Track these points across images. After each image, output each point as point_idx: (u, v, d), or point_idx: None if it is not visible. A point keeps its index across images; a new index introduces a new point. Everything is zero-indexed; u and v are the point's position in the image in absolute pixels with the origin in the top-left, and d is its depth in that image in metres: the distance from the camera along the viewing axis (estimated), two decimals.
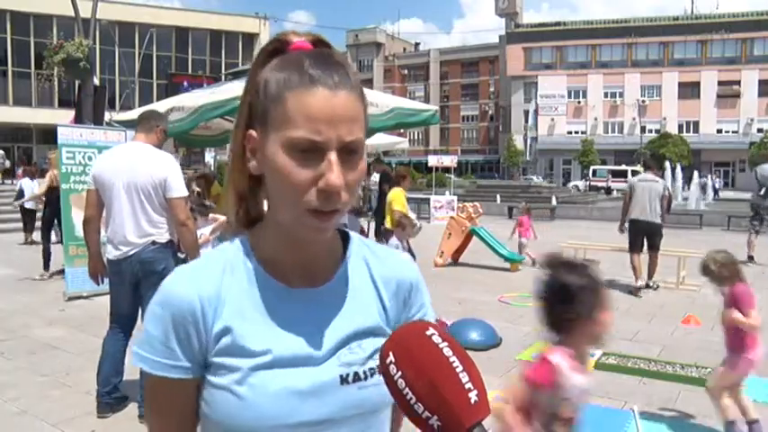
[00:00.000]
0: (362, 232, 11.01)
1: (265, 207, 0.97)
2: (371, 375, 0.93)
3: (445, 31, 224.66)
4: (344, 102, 0.85)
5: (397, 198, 7.95)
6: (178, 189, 3.89)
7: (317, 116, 0.83)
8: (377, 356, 0.92)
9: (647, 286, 8.53)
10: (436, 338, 0.76)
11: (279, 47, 0.92)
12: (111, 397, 4.03)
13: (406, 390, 0.73)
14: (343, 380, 0.91)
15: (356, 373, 0.92)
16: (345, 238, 1.03)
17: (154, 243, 3.91)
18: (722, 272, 3.71)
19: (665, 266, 9.03)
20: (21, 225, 13.50)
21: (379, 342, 0.94)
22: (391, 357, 0.75)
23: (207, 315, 0.89)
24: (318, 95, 0.83)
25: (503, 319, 6.72)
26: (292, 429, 0.88)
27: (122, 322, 4.05)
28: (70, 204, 7.73)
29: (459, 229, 10.79)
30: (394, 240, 6.43)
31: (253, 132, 0.90)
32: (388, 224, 7.68)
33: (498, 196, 24.87)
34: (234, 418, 0.87)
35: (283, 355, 0.89)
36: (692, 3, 74.79)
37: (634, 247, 8.51)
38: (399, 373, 0.74)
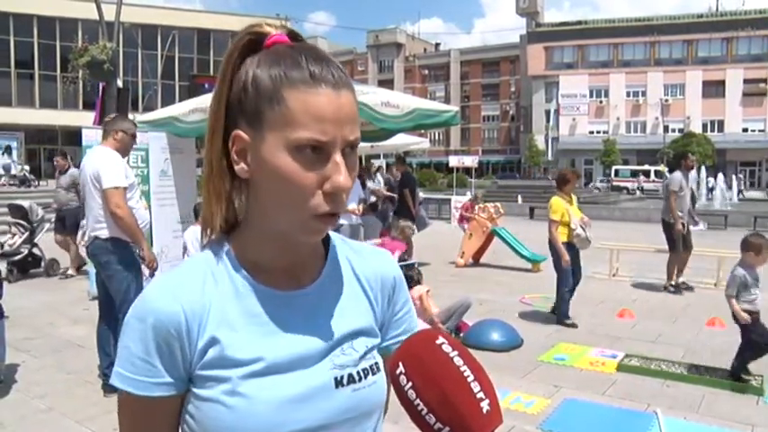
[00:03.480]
0: (384, 235, 10.98)
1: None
2: (365, 376, 0.89)
3: (465, 31, 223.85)
4: (348, 101, 0.82)
5: (554, 208, 6.66)
6: (107, 180, 4.13)
7: (323, 116, 0.79)
8: (370, 357, 0.91)
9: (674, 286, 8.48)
10: (446, 347, 0.74)
11: (254, 40, 0.86)
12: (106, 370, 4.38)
13: (417, 400, 0.72)
14: (338, 383, 0.87)
15: (350, 375, 0.88)
16: (326, 239, 0.99)
17: (96, 238, 4.26)
18: None
19: (698, 267, 8.94)
20: (47, 226, 13.72)
21: (372, 342, 0.93)
22: (401, 368, 0.74)
23: (192, 328, 0.83)
24: (323, 94, 0.80)
25: (524, 321, 6.68)
26: None
27: (102, 308, 4.52)
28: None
29: (481, 230, 10.75)
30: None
31: (241, 133, 0.83)
32: (564, 237, 6.58)
33: (519, 196, 24.75)
34: (225, 430, 0.82)
35: (275, 360, 0.84)
36: (717, 0, 73.55)
37: None
38: (410, 383, 0.73)
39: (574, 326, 6.45)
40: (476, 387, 0.72)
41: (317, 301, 0.91)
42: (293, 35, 0.88)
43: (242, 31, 0.87)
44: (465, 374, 0.73)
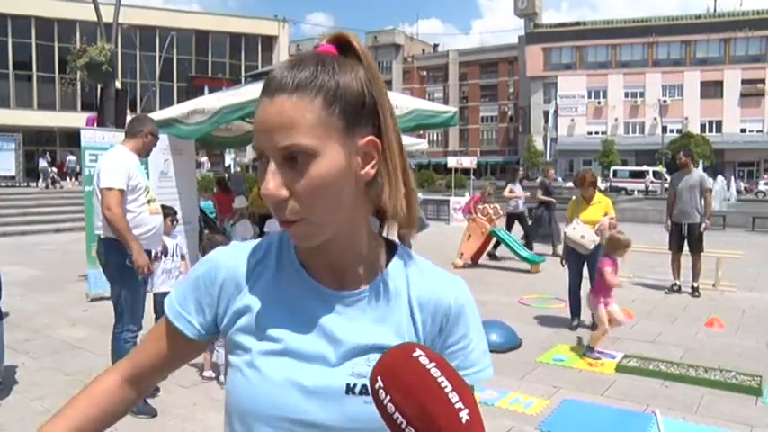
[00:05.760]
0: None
1: None
2: None
3: (464, 32, 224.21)
4: (279, 107, 0.81)
5: (569, 208, 6.77)
6: (103, 180, 4.06)
7: (257, 126, 0.84)
8: None
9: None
10: (423, 359, 0.74)
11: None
12: None
13: (396, 414, 0.72)
14: (349, 389, 0.88)
15: (364, 386, 0.86)
16: (393, 250, 0.98)
17: (99, 238, 4.25)
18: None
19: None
20: (44, 228, 13.65)
21: None
22: (380, 382, 0.74)
23: (227, 287, 0.94)
24: (261, 104, 0.83)
25: (523, 321, 6.68)
26: (293, 426, 0.87)
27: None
28: (93, 206, 7.82)
29: (479, 231, 10.75)
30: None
31: None
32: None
33: None
34: (240, 399, 0.89)
35: (295, 347, 0.88)
36: (715, 1, 73.67)
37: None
38: (388, 397, 0.73)
39: (572, 328, 6.45)
40: (454, 397, 0.72)
41: (355, 307, 0.93)
42: (343, 46, 0.89)
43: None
44: (443, 385, 0.72)
